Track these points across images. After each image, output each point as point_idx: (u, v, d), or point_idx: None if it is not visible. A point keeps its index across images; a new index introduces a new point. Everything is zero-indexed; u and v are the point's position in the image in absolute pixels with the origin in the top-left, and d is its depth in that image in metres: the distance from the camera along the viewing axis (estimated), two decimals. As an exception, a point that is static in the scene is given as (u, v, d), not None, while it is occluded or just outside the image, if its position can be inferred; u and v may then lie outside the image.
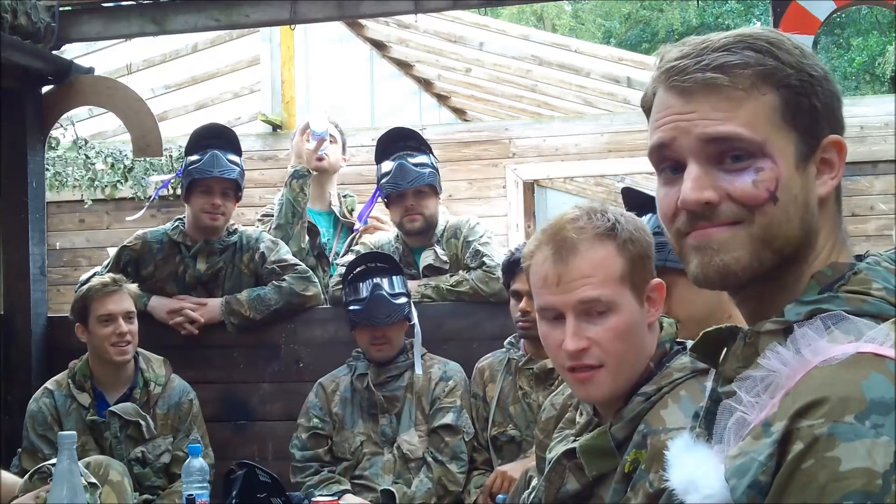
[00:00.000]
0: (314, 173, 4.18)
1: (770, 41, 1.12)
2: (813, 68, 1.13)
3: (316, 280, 4.02)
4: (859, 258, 1.14)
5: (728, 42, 1.12)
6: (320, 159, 4.21)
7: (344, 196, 4.42)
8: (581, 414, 1.83)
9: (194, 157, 3.90)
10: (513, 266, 3.37)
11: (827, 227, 1.14)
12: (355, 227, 4.29)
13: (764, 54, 1.11)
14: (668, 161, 1.15)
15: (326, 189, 4.36)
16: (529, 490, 1.98)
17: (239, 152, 4.00)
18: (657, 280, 1.75)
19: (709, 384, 1.19)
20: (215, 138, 3.95)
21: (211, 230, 3.94)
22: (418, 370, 3.59)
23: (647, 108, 1.20)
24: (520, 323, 3.36)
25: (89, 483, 2.85)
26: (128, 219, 5.18)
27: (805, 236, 1.12)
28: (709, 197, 1.10)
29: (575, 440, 1.77)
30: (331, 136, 4.26)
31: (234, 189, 3.93)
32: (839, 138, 1.13)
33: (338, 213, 4.35)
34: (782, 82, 1.11)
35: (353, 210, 4.39)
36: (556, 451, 1.81)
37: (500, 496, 3.17)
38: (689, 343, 1.45)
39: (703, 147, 1.11)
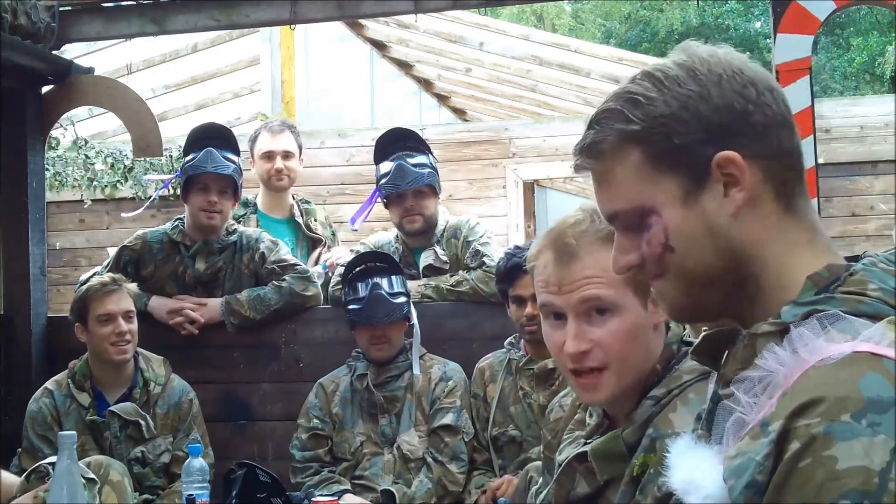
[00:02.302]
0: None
1: (632, 93, 1.14)
2: (678, 97, 1.12)
3: (316, 280, 4.03)
4: (856, 258, 1.14)
5: (598, 113, 1.17)
6: (279, 178, 4.29)
7: (302, 202, 4.43)
8: (591, 415, 1.83)
9: (190, 156, 3.91)
10: (510, 272, 3.36)
11: (769, 235, 1.12)
12: (354, 229, 4.29)
13: (615, 118, 1.14)
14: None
15: (284, 197, 4.39)
16: (538, 487, 1.97)
17: (236, 151, 4.00)
18: None
19: (711, 386, 1.19)
20: (212, 138, 3.96)
21: (209, 229, 3.93)
22: (416, 370, 3.59)
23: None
24: (526, 328, 3.34)
25: (87, 479, 2.84)
26: (124, 215, 5.17)
27: (730, 258, 1.12)
28: (623, 265, 1.20)
29: (586, 443, 1.77)
30: (286, 152, 4.28)
31: (231, 188, 3.92)
32: (726, 154, 1.11)
33: (302, 224, 4.37)
34: (636, 138, 1.13)
35: (316, 220, 4.41)
36: (566, 453, 1.80)
37: (502, 499, 3.18)
38: None
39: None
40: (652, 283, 1.18)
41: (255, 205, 4.42)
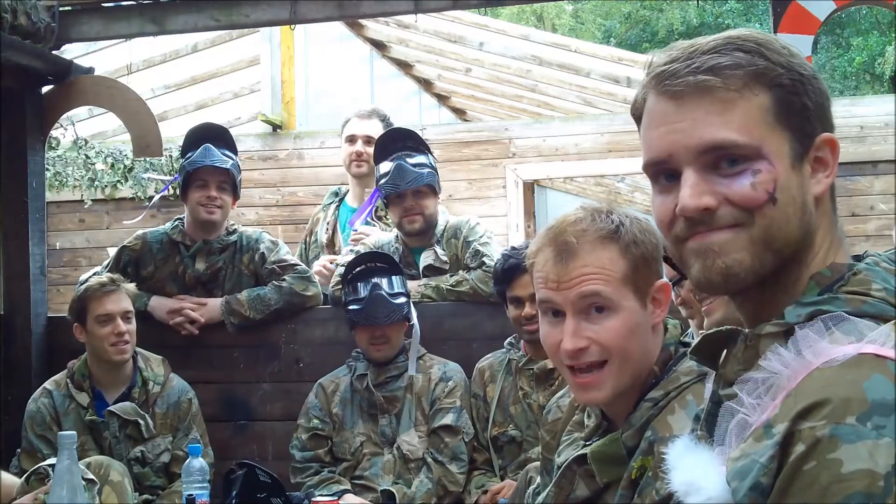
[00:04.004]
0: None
1: (759, 42, 1.12)
2: (802, 67, 1.13)
3: (316, 280, 4.03)
4: (858, 258, 1.14)
5: (718, 44, 1.12)
6: (359, 163, 4.29)
7: None
8: (589, 416, 1.82)
9: (188, 154, 3.91)
10: (507, 273, 3.35)
11: (824, 226, 1.14)
12: (354, 229, 4.27)
13: (754, 55, 1.11)
14: (663, 172, 1.15)
15: (368, 185, 4.35)
16: (535, 487, 1.97)
17: (234, 150, 4.00)
18: (663, 281, 1.73)
19: (709, 386, 1.19)
20: (210, 137, 3.96)
21: (209, 225, 3.93)
22: (412, 370, 3.59)
23: (637, 115, 1.19)
24: (525, 328, 3.34)
25: (86, 480, 2.84)
26: (126, 222, 5.17)
27: (804, 236, 1.12)
28: (707, 203, 1.10)
29: (585, 445, 1.76)
30: (369, 137, 4.28)
31: (230, 184, 3.92)
32: (832, 136, 1.13)
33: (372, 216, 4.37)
34: (774, 82, 1.11)
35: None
36: (565, 455, 1.80)
37: (502, 500, 3.18)
38: None
39: (699, 156, 1.11)
40: (707, 236, 1.11)
41: (343, 196, 4.45)
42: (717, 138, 1.09)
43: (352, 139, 4.33)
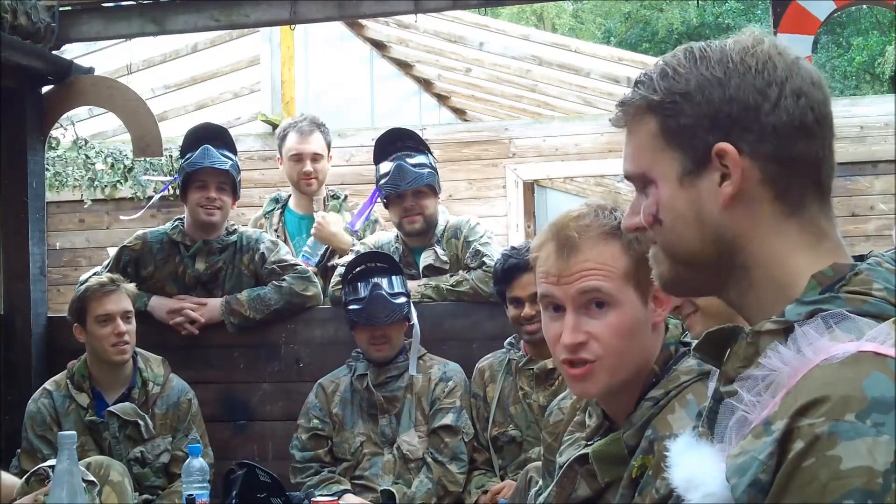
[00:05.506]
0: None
1: (666, 64, 1.16)
2: (700, 78, 1.12)
3: (316, 280, 4.03)
4: (861, 258, 1.14)
5: (641, 75, 1.19)
6: (308, 182, 4.24)
7: (332, 198, 4.38)
8: (590, 416, 1.82)
9: (188, 155, 3.91)
10: (507, 273, 3.35)
11: (761, 232, 1.12)
12: (354, 230, 4.27)
13: (646, 85, 1.16)
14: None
15: (317, 196, 4.36)
16: (537, 488, 1.96)
17: (233, 150, 4.00)
18: None
19: (712, 384, 1.19)
20: (209, 137, 3.96)
21: (208, 226, 3.93)
22: (412, 371, 3.59)
23: None
24: (525, 327, 3.34)
25: (87, 481, 2.84)
26: (122, 217, 5.16)
27: (715, 245, 1.13)
28: (637, 223, 1.22)
29: (587, 445, 1.76)
30: (315, 154, 4.25)
31: (229, 184, 3.92)
32: (722, 146, 1.11)
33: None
34: (654, 108, 1.15)
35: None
36: (567, 455, 1.80)
37: (502, 500, 3.18)
38: None
39: (633, 182, 1.22)
40: (651, 248, 1.22)
41: (286, 202, 4.41)
42: (623, 169, 1.22)
43: (298, 158, 4.24)
